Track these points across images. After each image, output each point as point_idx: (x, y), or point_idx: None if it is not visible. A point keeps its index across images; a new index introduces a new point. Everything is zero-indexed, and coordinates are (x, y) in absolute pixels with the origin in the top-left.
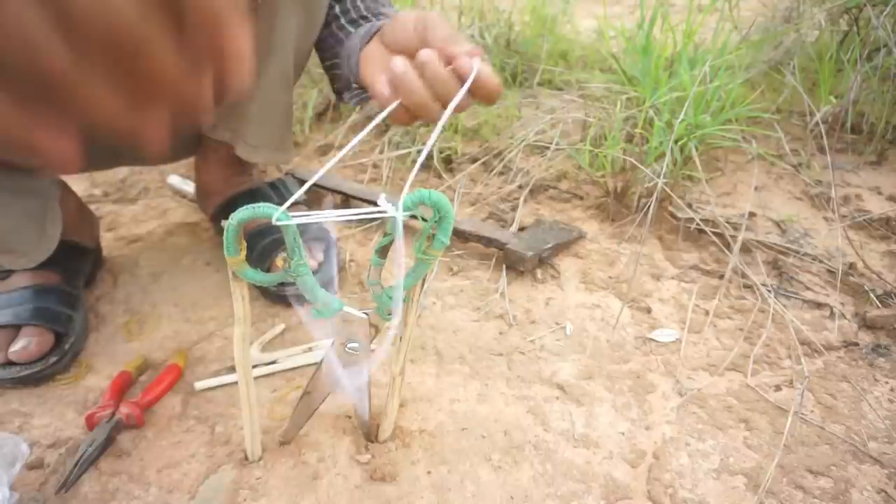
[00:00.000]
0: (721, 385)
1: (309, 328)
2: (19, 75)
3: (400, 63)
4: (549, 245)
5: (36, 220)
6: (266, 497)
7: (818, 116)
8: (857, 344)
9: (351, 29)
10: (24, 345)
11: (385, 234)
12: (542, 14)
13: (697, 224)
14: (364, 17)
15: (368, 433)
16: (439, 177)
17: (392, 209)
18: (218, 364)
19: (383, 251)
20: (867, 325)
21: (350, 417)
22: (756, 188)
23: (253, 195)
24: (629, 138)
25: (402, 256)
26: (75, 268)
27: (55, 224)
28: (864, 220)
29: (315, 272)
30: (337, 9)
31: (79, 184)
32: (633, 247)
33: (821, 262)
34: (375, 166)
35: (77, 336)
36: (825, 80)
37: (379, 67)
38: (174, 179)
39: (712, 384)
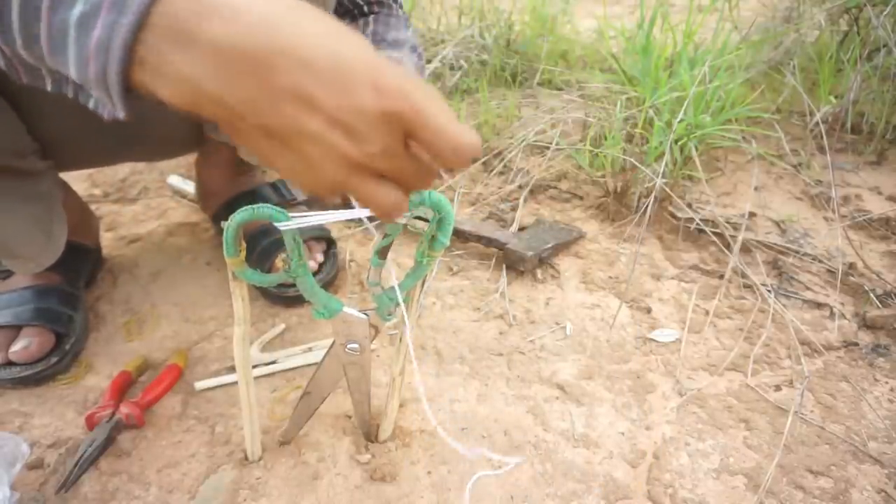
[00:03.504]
0: (721, 385)
1: None
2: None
3: None
4: (549, 245)
5: (42, 224)
6: (266, 497)
7: (818, 116)
8: (857, 344)
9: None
10: (25, 345)
11: (385, 236)
12: (542, 14)
13: (697, 224)
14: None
15: (368, 433)
16: (439, 177)
17: None
18: (218, 364)
19: (383, 252)
20: (867, 325)
21: (350, 417)
22: (756, 188)
23: (254, 196)
24: (629, 138)
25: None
26: (76, 268)
27: (61, 227)
28: (864, 220)
29: (315, 273)
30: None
31: (79, 184)
32: (633, 247)
33: (821, 262)
34: None
35: (78, 336)
36: (825, 80)
37: None
38: (174, 179)
39: (712, 384)
